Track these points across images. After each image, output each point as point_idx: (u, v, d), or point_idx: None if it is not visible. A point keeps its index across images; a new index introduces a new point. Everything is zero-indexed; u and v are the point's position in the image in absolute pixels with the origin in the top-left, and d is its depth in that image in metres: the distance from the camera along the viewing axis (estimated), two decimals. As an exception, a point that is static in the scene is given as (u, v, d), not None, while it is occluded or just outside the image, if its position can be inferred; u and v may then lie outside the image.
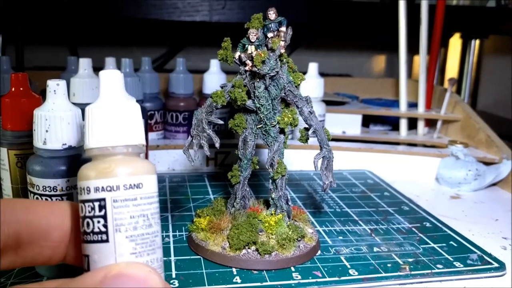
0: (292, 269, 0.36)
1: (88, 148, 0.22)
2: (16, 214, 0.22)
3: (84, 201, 0.21)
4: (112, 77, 0.22)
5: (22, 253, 0.22)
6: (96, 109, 0.22)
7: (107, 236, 0.21)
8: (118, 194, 0.21)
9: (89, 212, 0.21)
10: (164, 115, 0.63)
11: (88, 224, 0.21)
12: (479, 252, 0.40)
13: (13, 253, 0.22)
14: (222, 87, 0.38)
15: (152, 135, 0.62)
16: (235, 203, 0.40)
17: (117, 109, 0.22)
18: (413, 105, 0.74)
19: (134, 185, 0.21)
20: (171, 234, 0.42)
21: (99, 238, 0.21)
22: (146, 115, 0.53)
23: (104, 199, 0.21)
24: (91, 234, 0.21)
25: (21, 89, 0.37)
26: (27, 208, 0.22)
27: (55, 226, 0.23)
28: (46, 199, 0.34)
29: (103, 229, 0.20)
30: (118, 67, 0.59)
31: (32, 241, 0.22)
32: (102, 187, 0.21)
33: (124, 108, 0.22)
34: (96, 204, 0.21)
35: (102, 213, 0.21)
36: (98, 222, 0.21)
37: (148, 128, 0.56)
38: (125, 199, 0.21)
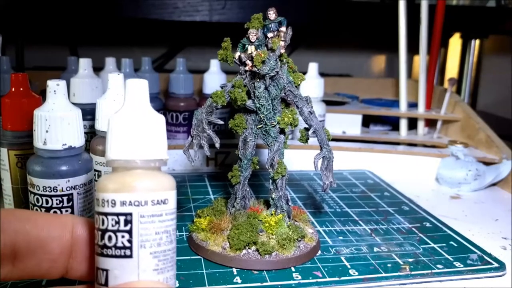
0: (293, 269, 0.36)
1: (111, 159, 0.22)
2: (14, 223, 0.21)
3: (106, 214, 0.20)
4: (139, 87, 0.22)
5: (20, 264, 0.22)
6: (121, 119, 0.21)
7: (131, 251, 0.20)
8: (145, 209, 0.20)
9: (113, 226, 0.20)
10: (164, 115, 0.63)
11: (110, 238, 0.20)
12: (479, 252, 0.40)
13: (10, 263, 0.22)
14: (222, 87, 0.38)
15: (152, 135, 0.62)
16: (235, 203, 0.40)
17: (144, 121, 0.21)
18: (413, 105, 0.74)
19: (161, 201, 0.21)
20: (171, 234, 0.42)
21: (123, 253, 0.20)
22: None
23: (130, 214, 0.20)
24: (113, 249, 0.20)
25: (21, 89, 0.38)
26: (26, 218, 0.22)
27: (53, 237, 0.22)
28: (46, 200, 0.34)
29: (127, 244, 0.20)
30: (118, 67, 0.59)
31: (30, 252, 0.22)
32: (130, 202, 0.20)
33: (150, 120, 0.22)
34: (122, 218, 0.20)
35: (128, 228, 0.20)
36: (123, 236, 0.20)
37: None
38: (152, 215, 0.20)
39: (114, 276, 0.20)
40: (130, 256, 0.20)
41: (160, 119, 0.22)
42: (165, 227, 0.21)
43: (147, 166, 0.21)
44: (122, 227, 0.20)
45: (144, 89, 0.22)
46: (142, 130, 0.21)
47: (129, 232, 0.20)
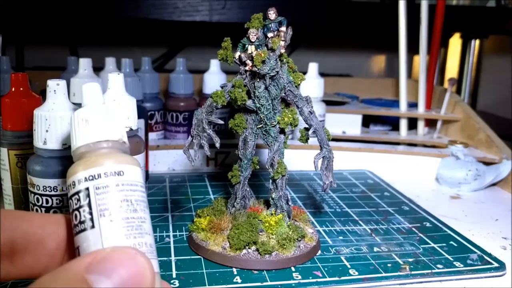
0: (293, 269, 0.36)
1: (74, 149, 0.23)
2: (11, 222, 0.22)
3: (71, 196, 0.22)
4: (92, 88, 0.25)
5: (18, 261, 0.22)
6: (77, 114, 0.24)
7: (93, 222, 0.21)
8: (99, 181, 0.21)
9: (76, 204, 0.22)
10: (164, 115, 0.63)
11: (76, 216, 0.21)
12: (479, 252, 0.40)
13: (8, 261, 0.22)
14: (222, 87, 0.38)
15: (152, 135, 0.62)
16: (235, 203, 0.40)
17: (97, 111, 0.24)
18: (413, 105, 0.74)
19: (115, 172, 0.22)
20: (171, 234, 0.42)
21: (87, 226, 0.21)
22: (146, 115, 0.53)
23: (87, 188, 0.21)
24: (79, 225, 0.21)
25: (21, 89, 0.38)
26: (22, 217, 0.23)
27: (50, 233, 0.23)
28: (46, 199, 0.34)
29: (88, 216, 0.21)
30: (118, 67, 0.59)
31: (28, 249, 0.22)
32: (85, 178, 0.22)
33: (103, 110, 0.24)
34: (81, 195, 0.21)
35: (87, 201, 0.21)
36: (84, 211, 0.21)
37: (148, 128, 0.56)
38: (106, 185, 0.21)
39: (83, 250, 0.21)
40: (93, 227, 0.21)
41: (113, 108, 0.24)
42: (124, 196, 0.22)
43: (102, 147, 0.23)
44: (82, 202, 0.21)
45: (96, 89, 0.25)
46: (94, 119, 0.23)
47: (89, 205, 0.21)
